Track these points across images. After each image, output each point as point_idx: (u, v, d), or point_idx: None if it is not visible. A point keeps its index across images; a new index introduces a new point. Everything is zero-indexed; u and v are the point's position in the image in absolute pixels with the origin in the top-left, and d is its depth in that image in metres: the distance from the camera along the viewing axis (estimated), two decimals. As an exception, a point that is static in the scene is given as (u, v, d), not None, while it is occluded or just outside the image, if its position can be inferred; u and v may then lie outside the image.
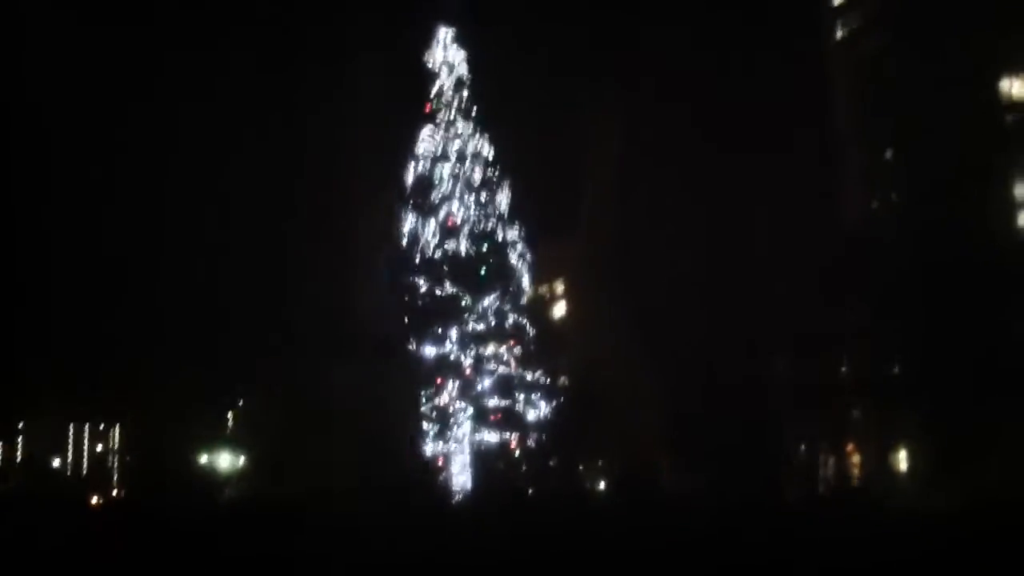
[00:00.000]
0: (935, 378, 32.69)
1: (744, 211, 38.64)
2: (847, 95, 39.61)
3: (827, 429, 40.67)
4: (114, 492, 78.75)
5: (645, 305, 42.34)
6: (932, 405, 33.21)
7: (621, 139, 40.37)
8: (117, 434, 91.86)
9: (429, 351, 36.61)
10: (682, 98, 41.60)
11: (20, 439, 79.74)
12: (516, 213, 38.78)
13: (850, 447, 46.58)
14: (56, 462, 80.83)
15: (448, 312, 36.77)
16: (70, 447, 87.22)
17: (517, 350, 37.10)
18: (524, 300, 38.08)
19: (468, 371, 36.19)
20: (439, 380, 36.68)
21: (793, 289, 38.19)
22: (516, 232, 38.17)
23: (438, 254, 37.53)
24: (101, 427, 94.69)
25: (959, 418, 31.94)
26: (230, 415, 79.17)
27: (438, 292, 36.79)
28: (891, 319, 34.36)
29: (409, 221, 38.18)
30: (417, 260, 37.71)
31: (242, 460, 65.86)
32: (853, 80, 39.73)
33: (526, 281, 38.04)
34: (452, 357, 36.27)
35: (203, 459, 66.72)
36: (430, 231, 37.84)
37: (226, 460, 66.06)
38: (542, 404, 36.67)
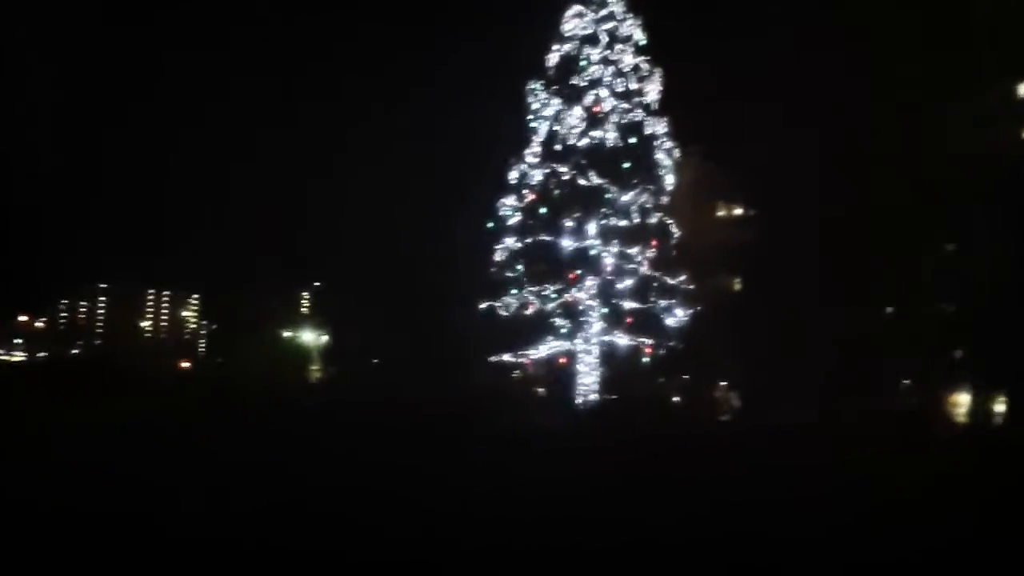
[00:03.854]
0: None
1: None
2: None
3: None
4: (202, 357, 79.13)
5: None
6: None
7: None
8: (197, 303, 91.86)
9: (566, 243, 34.63)
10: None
11: (104, 299, 79.87)
12: (665, 107, 36.29)
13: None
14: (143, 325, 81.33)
15: (588, 204, 34.67)
16: (149, 312, 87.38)
17: (657, 252, 35.00)
18: (668, 200, 35.80)
19: (608, 268, 34.24)
20: (572, 275, 34.81)
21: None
22: (664, 127, 35.67)
23: (583, 142, 35.21)
24: (178, 294, 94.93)
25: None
26: (306, 295, 78.87)
27: (581, 182, 34.58)
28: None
29: (552, 105, 35.83)
30: (559, 147, 35.47)
31: (324, 339, 65.37)
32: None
33: (671, 180, 35.69)
34: (592, 252, 34.28)
35: (287, 334, 66.53)
36: (574, 117, 35.46)
37: (310, 337, 65.64)
38: (679, 311, 34.69)
